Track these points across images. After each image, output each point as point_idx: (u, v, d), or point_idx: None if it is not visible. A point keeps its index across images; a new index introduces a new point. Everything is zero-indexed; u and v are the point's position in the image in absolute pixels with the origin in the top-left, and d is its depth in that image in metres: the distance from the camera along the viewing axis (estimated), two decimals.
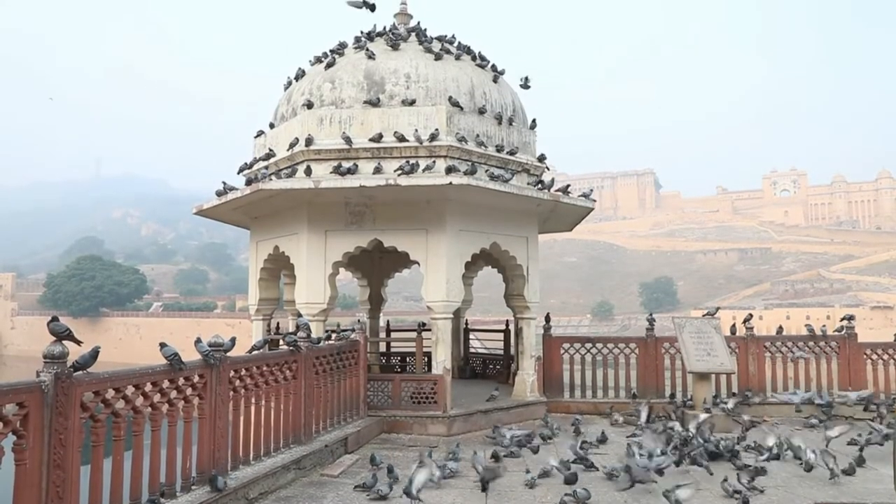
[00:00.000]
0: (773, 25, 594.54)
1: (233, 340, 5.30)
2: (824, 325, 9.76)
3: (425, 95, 8.40)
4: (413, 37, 9.14)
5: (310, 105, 8.45)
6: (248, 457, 5.48)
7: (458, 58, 9.03)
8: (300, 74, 9.31)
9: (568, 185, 9.20)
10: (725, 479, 5.54)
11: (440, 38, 9.33)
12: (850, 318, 9.70)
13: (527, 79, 9.58)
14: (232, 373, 5.25)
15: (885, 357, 9.54)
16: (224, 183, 8.56)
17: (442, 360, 8.03)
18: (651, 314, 11.25)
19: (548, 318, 10.09)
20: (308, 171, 7.99)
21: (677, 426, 7.53)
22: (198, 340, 5.04)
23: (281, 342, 6.50)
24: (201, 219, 9.98)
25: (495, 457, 6.55)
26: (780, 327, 11.21)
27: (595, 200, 9.79)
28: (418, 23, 9.63)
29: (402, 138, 8.01)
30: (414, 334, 8.77)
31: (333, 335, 7.52)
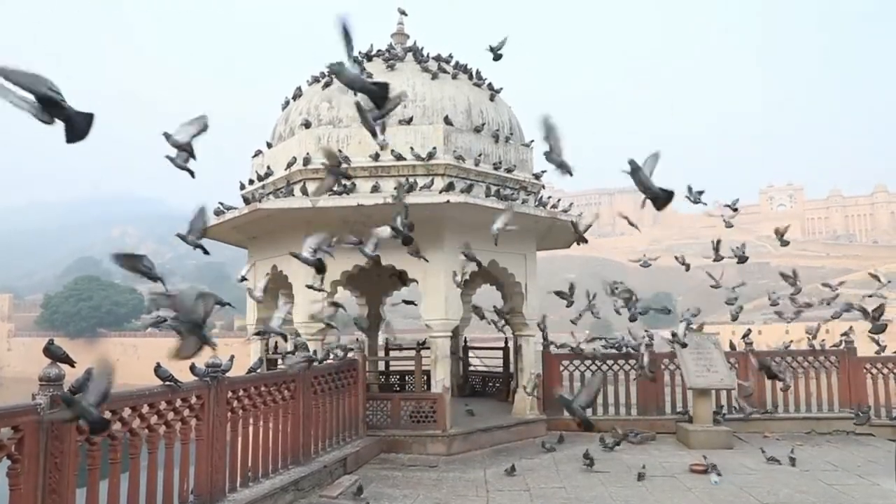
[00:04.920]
0: (772, 41, 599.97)
1: (231, 359, 5.27)
2: (823, 340, 9.69)
3: (422, 114, 8.45)
4: (410, 56, 9.21)
5: (307, 124, 8.49)
6: (247, 478, 5.43)
7: (454, 77, 9.10)
8: (298, 94, 9.36)
9: (561, 203, 9.22)
10: None
11: (437, 58, 9.39)
12: (849, 331, 9.67)
13: (492, 48, 6.87)
14: (230, 393, 5.22)
15: (885, 371, 9.50)
16: (221, 203, 8.58)
17: (441, 378, 7.99)
18: (647, 330, 11.15)
19: (546, 336, 10.04)
20: (305, 191, 8.01)
21: None
22: (192, 367, 4.98)
23: (279, 362, 6.46)
24: None
25: None
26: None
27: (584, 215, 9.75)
28: (415, 42, 9.70)
29: (399, 157, 8.04)
30: (413, 353, 8.73)
31: (332, 354, 7.48)
